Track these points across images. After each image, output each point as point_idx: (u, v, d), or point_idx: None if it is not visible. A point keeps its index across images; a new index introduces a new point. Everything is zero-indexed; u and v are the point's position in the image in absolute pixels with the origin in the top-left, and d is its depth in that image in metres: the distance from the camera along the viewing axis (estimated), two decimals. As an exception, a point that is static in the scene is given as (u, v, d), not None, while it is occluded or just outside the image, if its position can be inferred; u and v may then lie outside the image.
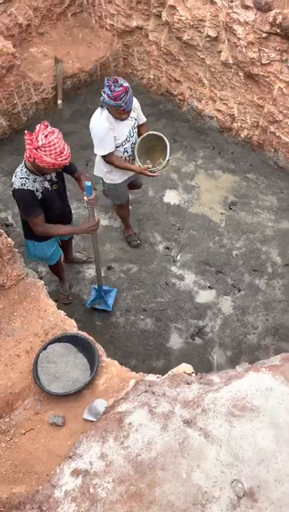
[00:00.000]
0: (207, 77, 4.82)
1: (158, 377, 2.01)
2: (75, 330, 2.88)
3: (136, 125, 3.36)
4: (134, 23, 5.13)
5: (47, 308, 3.00)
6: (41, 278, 3.90)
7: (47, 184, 2.79)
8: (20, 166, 2.71)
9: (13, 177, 2.72)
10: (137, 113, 3.35)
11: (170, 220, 4.38)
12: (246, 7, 3.92)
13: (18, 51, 5.02)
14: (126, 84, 2.93)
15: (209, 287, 3.87)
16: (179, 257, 4.09)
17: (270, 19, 3.73)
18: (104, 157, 3.32)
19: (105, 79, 2.96)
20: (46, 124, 2.49)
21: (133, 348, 3.51)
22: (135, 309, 3.74)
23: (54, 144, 2.46)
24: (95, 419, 2.48)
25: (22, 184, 2.65)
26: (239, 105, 4.69)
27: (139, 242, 4.11)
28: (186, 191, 4.63)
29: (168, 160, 3.26)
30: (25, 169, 2.67)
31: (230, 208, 4.47)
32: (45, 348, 2.68)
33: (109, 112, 3.10)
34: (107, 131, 3.15)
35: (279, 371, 1.38)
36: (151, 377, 1.96)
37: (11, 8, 5.00)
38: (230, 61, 4.39)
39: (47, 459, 2.39)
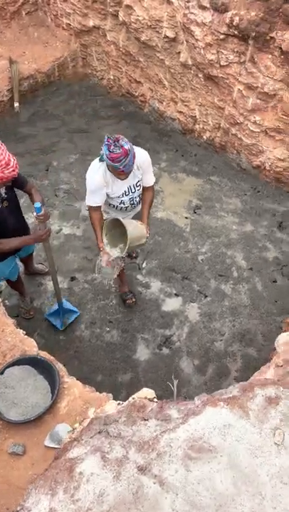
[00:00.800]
0: (167, 78, 4.74)
1: (119, 403, 1.92)
2: (35, 350, 2.75)
3: (139, 183, 2.94)
4: (91, 23, 4.98)
5: (4, 327, 2.85)
6: (0, 292, 3.74)
7: None
8: None
9: None
10: (143, 171, 2.90)
11: (134, 225, 4.28)
12: (203, 7, 3.85)
13: None
14: (127, 147, 2.56)
15: (176, 294, 3.80)
16: (144, 265, 4.00)
17: (227, 20, 3.68)
18: (88, 208, 3.04)
19: (106, 136, 2.62)
20: None
21: (99, 362, 3.41)
22: (100, 321, 3.64)
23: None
24: (57, 446, 2.37)
25: None
26: (200, 107, 4.64)
27: (134, 300, 3.74)
28: (150, 195, 4.54)
29: (126, 249, 2.88)
30: None
31: (195, 212, 4.42)
32: (2, 373, 2.54)
33: (107, 167, 2.76)
34: (99, 188, 2.81)
35: (237, 404, 1.32)
36: (111, 405, 1.87)
37: None
38: (190, 62, 4.33)
39: (6, 491, 2.27)
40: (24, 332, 2.88)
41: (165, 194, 4.57)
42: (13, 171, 2.42)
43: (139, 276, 3.93)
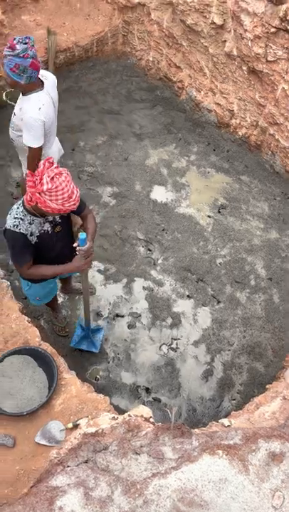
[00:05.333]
0: (209, 66, 4.50)
1: (113, 417, 1.84)
2: (37, 340, 2.70)
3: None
4: (136, -1, 4.74)
5: (9, 312, 2.80)
6: (12, 272, 3.69)
7: (47, 226, 2.39)
8: (18, 203, 2.32)
9: (8, 214, 2.34)
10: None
11: (155, 219, 4.15)
12: (257, -4, 3.58)
13: (8, 17, 4.64)
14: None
15: (188, 296, 3.69)
16: (160, 261, 3.89)
17: (281, 14, 3.42)
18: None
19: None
20: (52, 161, 2.11)
21: (102, 355, 3.35)
22: (109, 313, 3.56)
23: (62, 189, 2.08)
24: (48, 444, 2.33)
25: (14, 225, 2.26)
26: (240, 101, 4.40)
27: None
28: (175, 189, 4.38)
29: None
30: (22, 208, 2.28)
31: (219, 212, 4.25)
32: (1, 360, 2.49)
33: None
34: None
35: (237, 456, 1.21)
36: (105, 419, 1.79)
37: None
38: (235, 53, 4.08)
39: (-8, 482, 2.25)
40: (29, 319, 2.82)
41: (191, 189, 4.41)
42: (74, 204, 2.18)
43: (153, 272, 3.82)
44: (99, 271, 3.81)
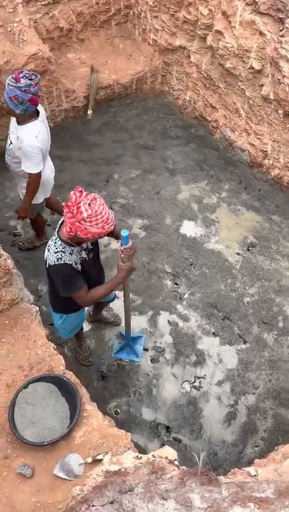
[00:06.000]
0: (245, 108, 4.60)
1: (137, 457, 1.80)
2: (61, 368, 2.70)
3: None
4: (177, 42, 4.95)
5: (36, 338, 2.83)
6: (40, 297, 3.73)
7: (84, 254, 2.47)
8: (54, 238, 2.39)
9: (46, 251, 2.42)
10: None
11: (183, 253, 4.17)
12: (296, 45, 3.69)
13: (55, 55, 4.89)
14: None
15: (214, 334, 3.63)
16: (186, 296, 3.87)
17: None
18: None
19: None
20: (80, 189, 2.20)
21: (123, 389, 3.30)
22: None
23: (100, 213, 2.16)
24: (66, 477, 2.29)
25: (58, 259, 2.34)
26: (274, 142, 4.45)
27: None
28: (205, 224, 4.41)
29: None
30: (60, 242, 2.36)
31: (249, 250, 4.23)
32: (26, 387, 2.50)
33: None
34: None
35: (270, 510, 1.16)
36: (128, 457, 1.75)
37: (54, 11, 4.87)
38: (272, 97, 4.16)
39: (7, 513, 2.21)
40: (54, 347, 2.83)
41: (221, 225, 4.42)
42: (112, 225, 2.26)
43: (178, 307, 3.80)
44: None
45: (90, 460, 2.29)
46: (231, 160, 4.95)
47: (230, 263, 4.12)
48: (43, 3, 4.71)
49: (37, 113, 3.05)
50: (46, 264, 2.43)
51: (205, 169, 4.93)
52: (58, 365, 2.70)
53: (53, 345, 2.82)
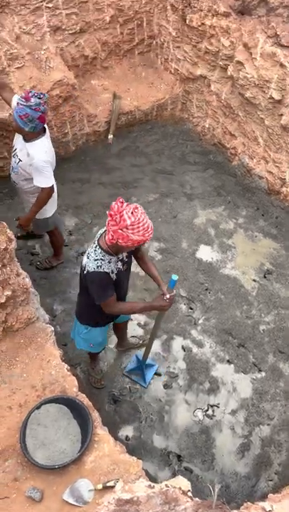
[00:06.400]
0: (264, 136, 4.65)
1: (150, 486, 1.76)
2: (74, 390, 2.68)
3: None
4: (198, 72, 5.07)
5: (51, 358, 2.82)
6: (55, 317, 3.74)
7: (120, 265, 2.56)
8: (93, 246, 2.48)
9: (85, 258, 2.49)
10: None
11: (199, 277, 4.16)
12: (317, 76, 3.75)
13: (79, 81, 5.05)
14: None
15: (228, 361, 3.58)
16: (201, 321, 3.83)
17: None
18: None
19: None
20: (122, 200, 2.28)
21: (134, 414, 3.25)
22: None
23: (142, 220, 2.24)
24: (75, 503, 2.24)
25: (98, 266, 2.42)
26: (292, 171, 4.48)
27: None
28: (221, 250, 4.41)
29: None
30: (100, 250, 2.44)
31: (265, 277, 4.20)
32: (38, 408, 2.48)
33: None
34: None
35: None
36: (140, 486, 1.71)
37: (80, 40, 5.05)
38: (291, 126, 4.21)
39: (14, 539, 2.16)
40: (68, 367, 2.82)
41: (237, 251, 4.41)
42: (152, 233, 2.33)
43: (193, 332, 3.77)
44: (139, 324, 3.79)
45: (100, 487, 2.24)
46: (249, 187, 4.98)
47: (247, 289, 4.09)
48: (70, 32, 4.89)
49: (44, 130, 3.19)
50: (84, 270, 2.49)
51: (222, 195, 4.97)
52: (71, 386, 2.68)
53: (66, 366, 2.81)
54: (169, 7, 5.12)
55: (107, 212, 2.26)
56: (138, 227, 2.24)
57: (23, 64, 4.33)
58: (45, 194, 3.28)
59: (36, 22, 4.57)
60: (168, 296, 2.57)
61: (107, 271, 2.45)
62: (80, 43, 5.05)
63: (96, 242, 2.49)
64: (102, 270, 2.43)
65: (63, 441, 2.40)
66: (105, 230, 2.43)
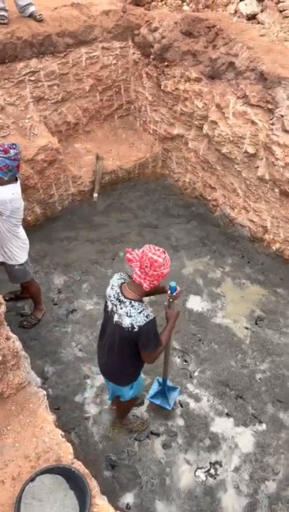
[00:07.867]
0: (242, 188, 4.85)
1: None
2: (70, 457, 2.55)
3: None
4: (175, 131, 5.36)
5: (44, 425, 2.70)
6: (46, 379, 3.64)
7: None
8: (127, 304, 2.43)
9: (126, 318, 2.42)
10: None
11: (191, 328, 4.14)
12: (286, 131, 4.00)
13: (63, 145, 5.28)
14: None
15: (227, 414, 3.48)
16: (196, 373, 3.77)
17: (310, 145, 3.77)
18: None
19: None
20: (131, 249, 2.44)
21: (134, 479, 3.09)
22: (144, 431, 3.37)
23: (165, 253, 2.40)
24: None
25: (146, 316, 2.40)
26: (273, 218, 4.63)
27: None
28: (211, 299, 4.43)
29: None
30: (136, 302, 2.43)
31: (257, 324, 4.20)
32: (32, 480, 2.34)
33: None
34: None
35: None
36: None
37: (62, 108, 5.35)
38: (267, 177, 4.42)
39: None
40: (62, 433, 2.71)
41: (227, 300, 4.44)
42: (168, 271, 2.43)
43: (189, 386, 3.68)
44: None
45: None
46: (232, 235, 5.11)
47: (239, 338, 4.07)
48: (52, 101, 5.19)
49: (16, 178, 3.39)
50: (131, 329, 2.42)
51: (207, 245, 5.07)
52: (66, 453, 2.55)
53: (60, 432, 2.70)
54: (144, 75, 5.50)
55: (131, 264, 2.34)
56: (167, 260, 2.35)
57: (8, 133, 4.53)
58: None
59: (20, 94, 4.85)
60: (174, 294, 2.67)
61: (152, 315, 2.46)
62: (62, 110, 5.34)
63: (123, 299, 2.44)
64: (152, 318, 2.43)
65: (60, 516, 2.26)
66: (121, 285, 2.49)
